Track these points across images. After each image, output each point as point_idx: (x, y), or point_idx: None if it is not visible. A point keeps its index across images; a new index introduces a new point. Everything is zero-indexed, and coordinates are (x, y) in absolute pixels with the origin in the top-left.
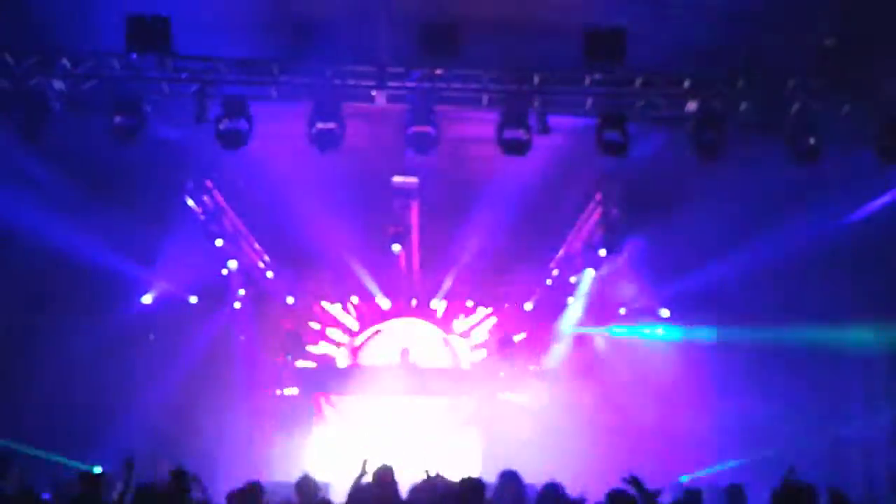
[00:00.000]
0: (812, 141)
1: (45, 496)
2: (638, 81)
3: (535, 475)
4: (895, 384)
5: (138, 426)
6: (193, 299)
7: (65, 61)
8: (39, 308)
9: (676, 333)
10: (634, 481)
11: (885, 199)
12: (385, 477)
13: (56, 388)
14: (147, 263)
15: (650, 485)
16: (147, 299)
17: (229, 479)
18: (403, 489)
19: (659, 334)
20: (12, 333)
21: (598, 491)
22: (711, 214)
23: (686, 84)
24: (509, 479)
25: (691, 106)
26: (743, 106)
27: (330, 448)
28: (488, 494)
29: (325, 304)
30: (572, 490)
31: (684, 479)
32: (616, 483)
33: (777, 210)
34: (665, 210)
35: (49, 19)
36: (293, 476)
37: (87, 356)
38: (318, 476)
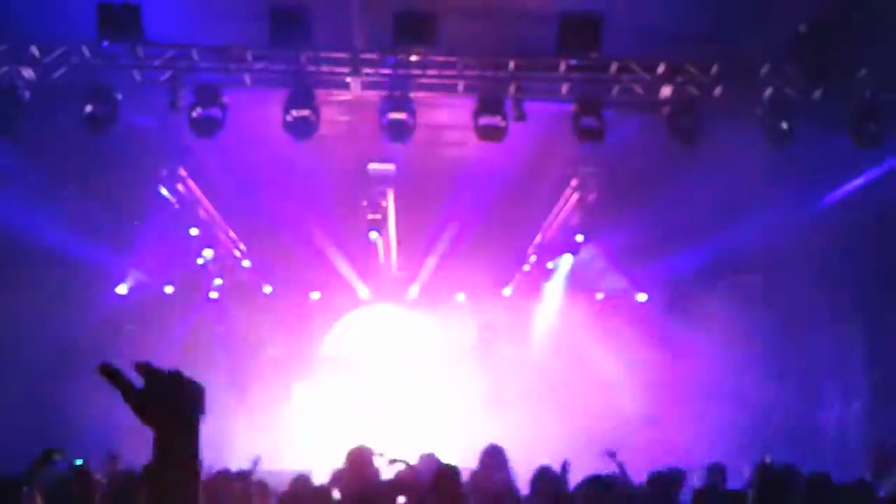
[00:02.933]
0: (785, 125)
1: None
2: (613, 67)
3: (521, 463)
4: (869, 365)
5: (116, 418)
6: (169, 289)
7: (34, 50)
8: (12, 294)
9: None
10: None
11: (858, 182)
12: (362, 459)
13: (32, 376)
14: (121, 253)
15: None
16: (122, 289)
17: (215, 467)
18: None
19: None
20: None
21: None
22: (688, 199)
23: (661, 70)
24: (493, 453)
25: (666, 91)
26: (717, 91)
27: (311, 435)
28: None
29: (302, 292)
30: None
31: None
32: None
33: (752, 195)
34: (642, 195)
35: (18, 7)
36: (279, 464)
37: (63, 344)
38: (299, 464)
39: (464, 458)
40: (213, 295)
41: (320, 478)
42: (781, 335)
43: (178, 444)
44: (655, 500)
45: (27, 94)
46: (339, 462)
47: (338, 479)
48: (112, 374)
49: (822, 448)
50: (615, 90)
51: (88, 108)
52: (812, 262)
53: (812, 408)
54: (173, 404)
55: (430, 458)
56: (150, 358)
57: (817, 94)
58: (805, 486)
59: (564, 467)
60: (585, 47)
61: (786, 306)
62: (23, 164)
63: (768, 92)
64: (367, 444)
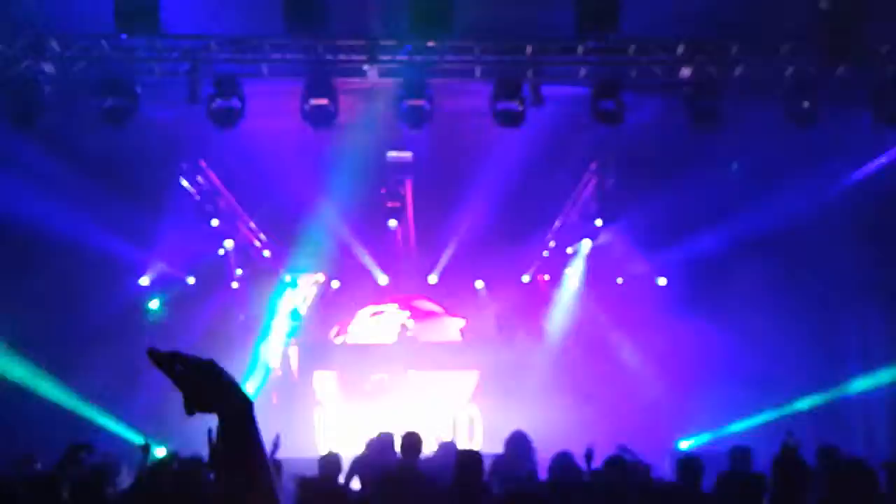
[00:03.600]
0: (807, 104)
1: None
2: (632, 49)
3: (541, 446)
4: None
5: (140, 409)
6: (191, 280)
7: (54, 44)
8: (32, 288)
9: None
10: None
11: (882, 160)
12: (383, 446)
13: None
14: (143, 245)
15: (645, 455)
16: (144, 281)
17: None
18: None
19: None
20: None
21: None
22: (708, 181)
23: (680, 50)
24: (518, 440)
25: (686, 72)
26: (738, 71)
27: (332, 424)
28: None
29: (322, 281)
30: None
31: (685, 444)
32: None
33: (774, 175)
34: (661, 178)
35: (37, 2)
36: (302, 452)
37: (87, 337)
38: (318, 451)
39: (484, 445)
40: (235, 285)
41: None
42: (806, 316)
43: (241, 427)
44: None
45: (48, 90)
46: (358, 450)
47: (358, 466)
48: (162, 360)
49: (848, 429)
50: (634, 72)
51: (108, 102)
52: (835, 243)
53: (837, 388)
54: (226, 389)
55: (449, 446)
56: (172, 347)
57: (840, 71)
58: (830, 465)
59: (590, 453)
60: (603, 29)
61: (809, 287)
62: (44, 158)
63: (790, 71)
64: (389, 432)
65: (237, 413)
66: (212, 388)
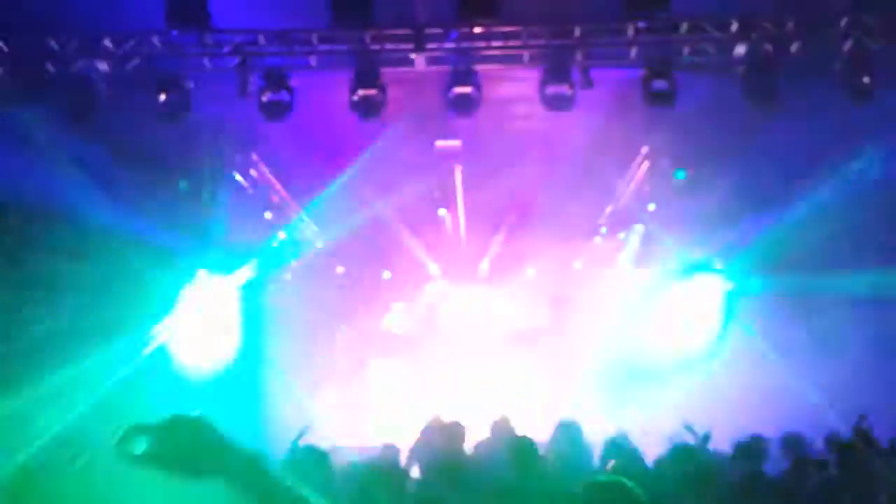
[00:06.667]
0: (866, 80)
1: None
2: (683, 28)
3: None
4: None
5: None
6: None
7: (107, 42)
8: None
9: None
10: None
11: None
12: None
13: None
14: (198, 239)
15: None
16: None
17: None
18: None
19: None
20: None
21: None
22: (764, 162)
23: (734, 27)
24: (567, 428)
25: (740, 50)
26: (794, 47)
27: (388, 412)
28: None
29: (373, 271)
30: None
31: None
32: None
33: (834, 153)
34: (715, 160)
35: (90, 2)
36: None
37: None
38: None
39: (537, 433)
40: (288, 276)
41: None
42: (866, 300)
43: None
44: (740, 469)
45: (103, 87)
46: (415, 438)
47: (416, 454)
48: None
49: None
50: (686, 51)
51: (161, 98)
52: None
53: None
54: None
55: (502, 424)
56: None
57: None
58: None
59: (706, 437)
60: (653, 8)
61: (870, 270)
62: (101, 156)
63: (847, 45)
64: (451, 420)
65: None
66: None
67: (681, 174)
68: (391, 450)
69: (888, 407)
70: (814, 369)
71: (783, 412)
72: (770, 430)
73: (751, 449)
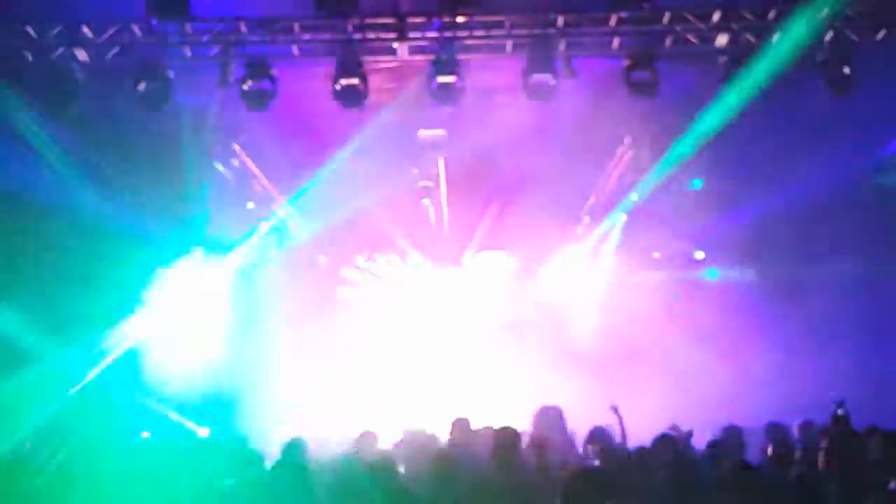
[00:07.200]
0: (847, 70)
1: None
2: (666, 17)
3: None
4: None
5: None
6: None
7: (86, 30)
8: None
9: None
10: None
11: None
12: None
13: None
14: (180, 230)
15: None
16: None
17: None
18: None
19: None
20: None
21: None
22: (745, 152)
23: (716, 17)
24: (548, 413)
25: (722, 40)
26: (775, 37)
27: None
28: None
29: (357, 261)
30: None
31: None
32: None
33: (816, 143)
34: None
35: None
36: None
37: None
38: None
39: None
40: (270, 267)
41: (384, 445)
42: (853, 286)
43: None
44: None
45: (82, 76)
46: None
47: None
48: None
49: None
50: (668, 41)
51: (142, 87)
52: (880, 212)
53: (882, 360)
54: None
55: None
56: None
57: (880, 35)
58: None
59: (690, 433)
60: None
61: (854, 259)
62: (81, 145)
63: (829, 36)
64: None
65: None
66: None
67: (698, 183)
68: (369, 437)
69: (869, 396)
70: (801, 357)
71: (769, 402)
72: (758, 419)
73: (728, 440)
